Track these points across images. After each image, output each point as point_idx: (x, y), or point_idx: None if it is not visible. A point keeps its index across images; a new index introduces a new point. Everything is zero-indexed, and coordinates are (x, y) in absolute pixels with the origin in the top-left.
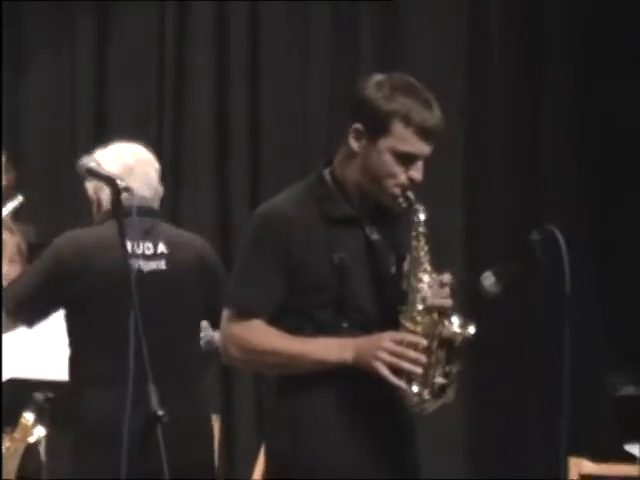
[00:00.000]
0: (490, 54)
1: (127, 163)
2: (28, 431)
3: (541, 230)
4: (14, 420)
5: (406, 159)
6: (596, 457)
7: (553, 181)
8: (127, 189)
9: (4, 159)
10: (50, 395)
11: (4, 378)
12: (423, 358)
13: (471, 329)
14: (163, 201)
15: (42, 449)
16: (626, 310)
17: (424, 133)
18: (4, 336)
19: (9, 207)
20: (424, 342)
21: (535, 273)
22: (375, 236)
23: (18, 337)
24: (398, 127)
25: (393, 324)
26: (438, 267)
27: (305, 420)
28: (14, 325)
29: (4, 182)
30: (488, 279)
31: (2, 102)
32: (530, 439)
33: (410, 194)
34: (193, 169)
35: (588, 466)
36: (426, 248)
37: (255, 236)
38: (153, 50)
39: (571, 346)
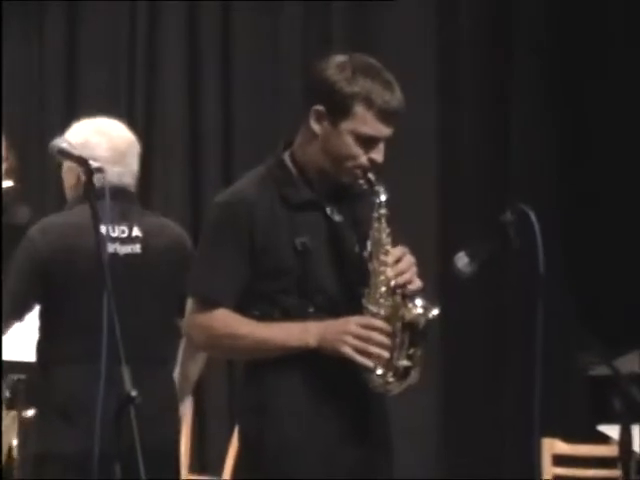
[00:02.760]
0: (460, 36)
1: (119, 147)
2: None
3: (514, 210)
4: None
5: (367, 141)
6: (569, 438)
7: (523, 161)
8: (99, 170)
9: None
10: (22, 377)
11: None
12: (388, 341)
13: (434, 311)
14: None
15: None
16: (598, 289)
17: (385, 115)
18: None
19: None
20: (389, 327)
21: (508, 253)
22: (337, 217)
23: None
24: (360, 110)
25: (359, 306)
26: (411, 249)
27: (272, 399)
28: (9, 324)
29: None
30: (461, 260)
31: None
32: (503, 420)
33: (371, 175)
34: (164, 156)
35: (561, 447)
36: (387, 230)
37: (216, 223)
38: (124, 33)
39: (544, 326)
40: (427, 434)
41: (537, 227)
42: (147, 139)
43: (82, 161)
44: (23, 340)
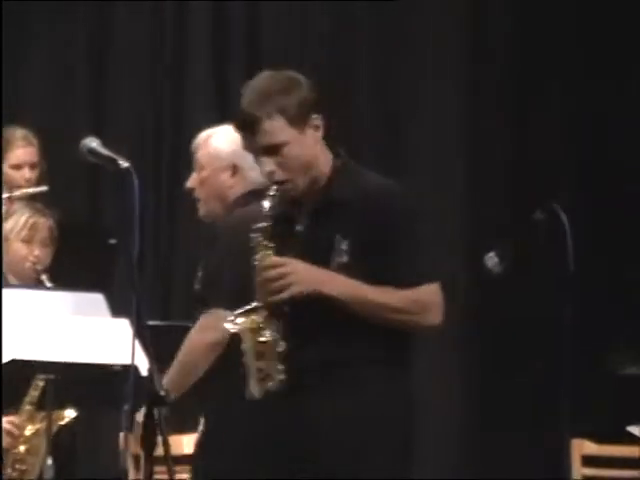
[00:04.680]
0: (486, 37)
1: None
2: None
3: (544, 209)
4: (16, 402)
5: (263, 151)
6: (598, 438)
7: (553, 159)
8: (128, 170)
9: (36, 143)
10: (51, 377)
11: (5, 359)
12: None
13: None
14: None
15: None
16: (628, 289)
17: (244, 124)
18: (5, 317)
19: (29, 190)
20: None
21: (538, 252)
22: (307, 232)
23: (20, 318)
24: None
25: (314, 324)
26: (441, 249)
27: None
28: None
29: (35, 173)
30: (491, 260)
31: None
32: (531, 420)
33: (273, 189)
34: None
35: (590, 447)
36: (265, 242)
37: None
38: (152, 37)
39: (573, 325)
40: (452, 434)
41: (567, 226)
42: (174, 141)
43: (112, 160)
44: (53, 340)
